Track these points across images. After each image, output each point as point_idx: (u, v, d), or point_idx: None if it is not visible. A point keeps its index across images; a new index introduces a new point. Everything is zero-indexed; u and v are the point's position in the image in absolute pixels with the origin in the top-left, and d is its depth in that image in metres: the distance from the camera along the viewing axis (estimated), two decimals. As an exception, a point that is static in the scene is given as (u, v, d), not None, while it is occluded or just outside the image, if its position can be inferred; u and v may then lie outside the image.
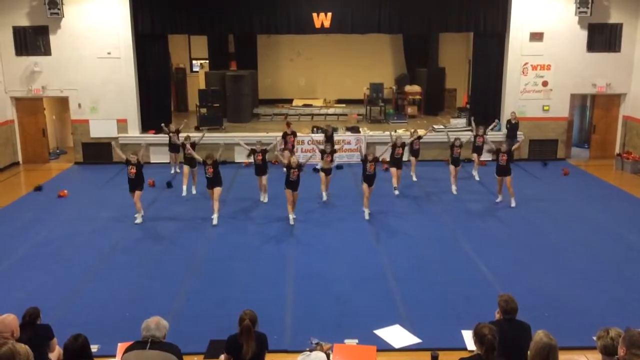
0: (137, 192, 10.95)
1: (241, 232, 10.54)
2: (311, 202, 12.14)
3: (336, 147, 14.27)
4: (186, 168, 12.85)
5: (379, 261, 9.15)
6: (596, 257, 9.27)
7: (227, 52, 21.70)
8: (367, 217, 11.15)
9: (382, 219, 11.18)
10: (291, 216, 10.93)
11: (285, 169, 11.07)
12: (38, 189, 13.55)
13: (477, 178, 14.21)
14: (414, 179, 13.99)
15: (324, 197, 12.36)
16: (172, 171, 14.89)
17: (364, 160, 11.16)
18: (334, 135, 15.63)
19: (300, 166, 10.83)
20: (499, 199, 12.13)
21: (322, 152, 12.54)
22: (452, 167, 13.04)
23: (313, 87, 22.54)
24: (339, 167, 15.55)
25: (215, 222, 10.86)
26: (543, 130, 16.54)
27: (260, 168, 12.13)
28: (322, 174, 12.37)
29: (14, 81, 15.95)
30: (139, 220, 11.01)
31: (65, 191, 13.09)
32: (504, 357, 4.34)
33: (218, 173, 10.97)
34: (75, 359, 4.58)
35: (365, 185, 11.24)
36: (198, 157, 11.64)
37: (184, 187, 12.86)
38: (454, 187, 12.96)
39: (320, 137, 15.18)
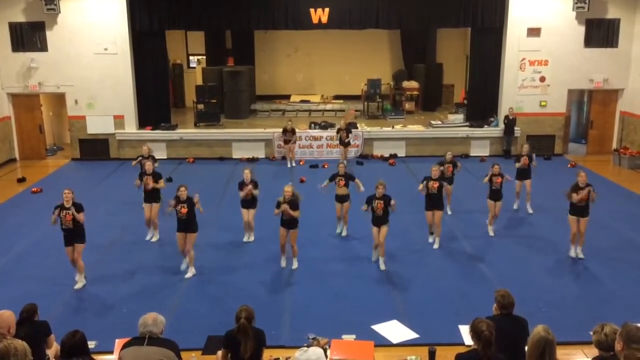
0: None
1: (239, 228, 10.50)
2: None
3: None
4: (147, 208, 9.91)
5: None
6: (593, 252, 9.27)
7: (224, 48, 21.64)
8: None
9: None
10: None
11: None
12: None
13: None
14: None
15: (341, 231, 10.30)
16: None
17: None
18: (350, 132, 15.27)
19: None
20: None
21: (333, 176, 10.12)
22: (490, 203, 10.18)
23: (311, 83, 22.49)
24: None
25: (189, 274, 8.52)
26: (540, 125, 16.54)
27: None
28: (337, 204, 10.17)
29: (10, 77, 15.88)
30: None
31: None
32: (501, 352, 4.35)
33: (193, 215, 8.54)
34: (72, 355, 4.57)
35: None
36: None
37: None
38: (491, 228, 10.23)
39: (317, 132, 14.91)
